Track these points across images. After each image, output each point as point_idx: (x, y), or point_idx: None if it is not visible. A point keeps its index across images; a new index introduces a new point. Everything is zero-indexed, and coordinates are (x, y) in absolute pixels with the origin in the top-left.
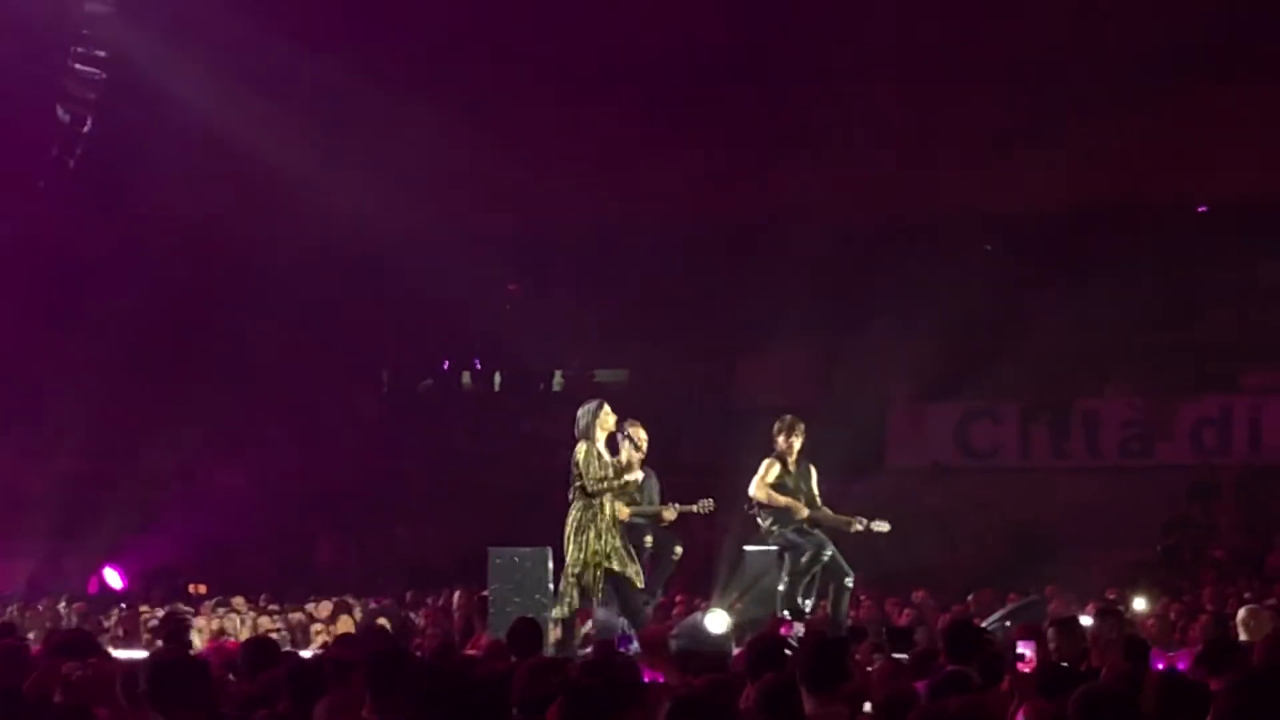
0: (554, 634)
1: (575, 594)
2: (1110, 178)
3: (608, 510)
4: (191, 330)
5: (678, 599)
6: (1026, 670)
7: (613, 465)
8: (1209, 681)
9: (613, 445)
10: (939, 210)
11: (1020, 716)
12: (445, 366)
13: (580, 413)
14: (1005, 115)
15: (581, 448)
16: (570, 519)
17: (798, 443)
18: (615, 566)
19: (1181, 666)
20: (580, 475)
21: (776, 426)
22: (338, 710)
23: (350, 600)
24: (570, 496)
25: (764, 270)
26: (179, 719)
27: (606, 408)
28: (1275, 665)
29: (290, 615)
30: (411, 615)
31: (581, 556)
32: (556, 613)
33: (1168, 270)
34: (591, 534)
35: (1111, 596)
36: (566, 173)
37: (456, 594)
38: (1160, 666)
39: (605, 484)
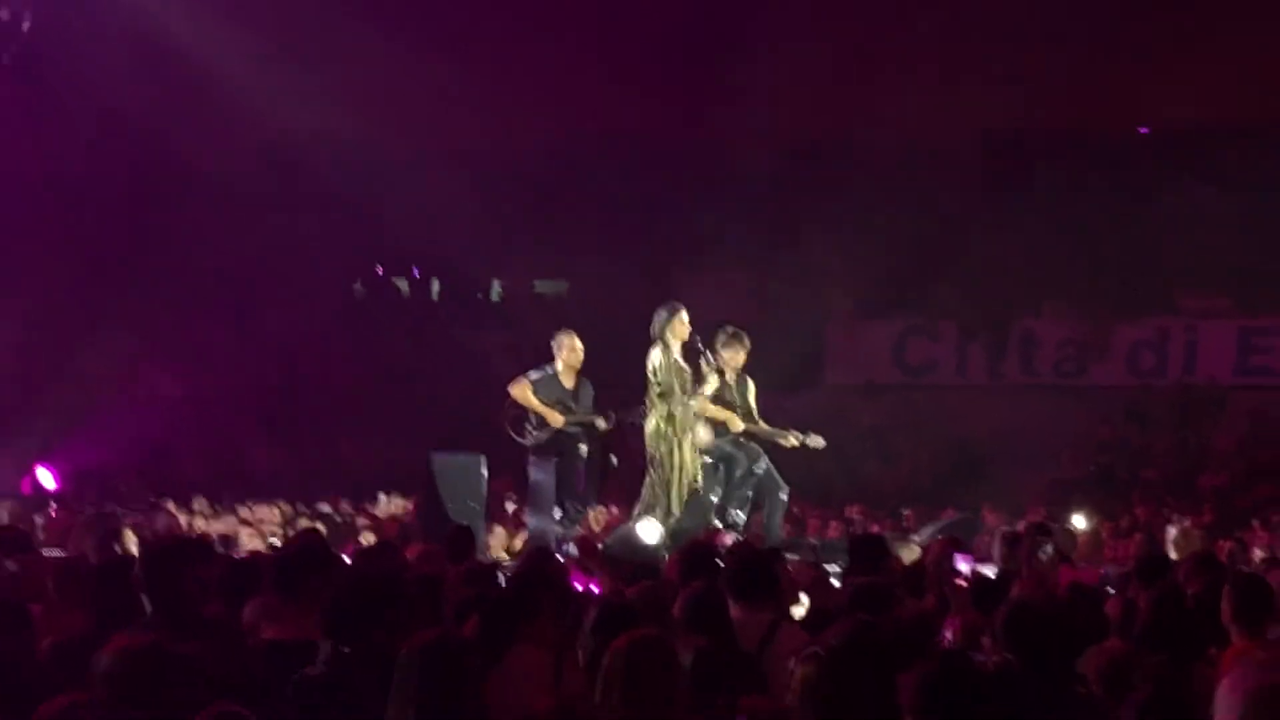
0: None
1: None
2: (1052, 101)
3: (679, 417)
4: (130, 233)
5: (613, 508)
6: (963, 585)
7: (687, 372)
8: (1140, 596)
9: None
10: (880, 130)
11: (951, 629)
12: (380, 272)
13: (655, 316)
14: (947, 37)
15: (654, 352)
16: (650, 426)
17: (739, 356)
18: (689, 477)
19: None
20: (652, 380)
21: (719, 338)
22: (266, 611)
23: (285, 505)
24: (646, 403)
25: (705, 186)
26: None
27: (682, 314)
28: (1191, 581)
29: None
30: (347, 520)
31: (668, 463)
32: (659, 524)
33: (1108, 193)
34: (675, 442)
35: (1041, 515)
36: (509, 84)
37: (391, 500)
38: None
39: (673, 386)
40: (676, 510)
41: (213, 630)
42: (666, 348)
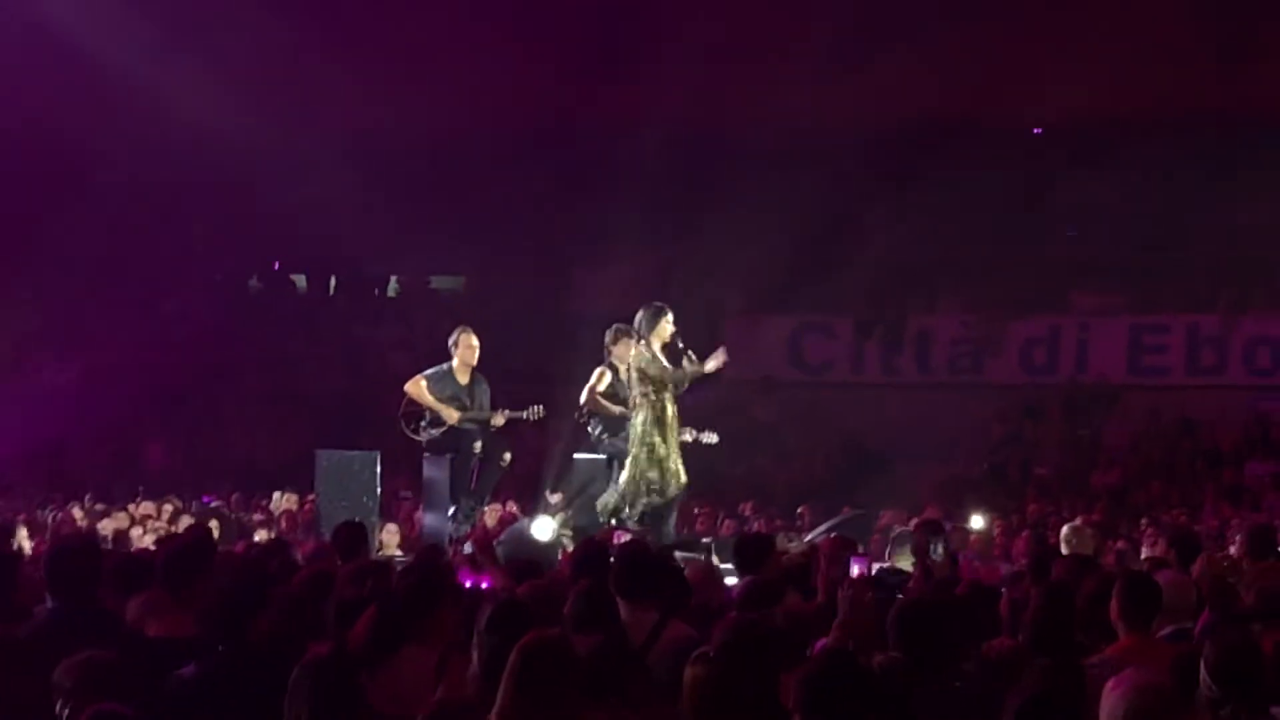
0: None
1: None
2: (945, 95)
3: (670, 413)
4: (22, 222)
5: (507, 505)
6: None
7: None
8: (1033, 592)
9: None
10: (774, 122)
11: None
12: (276, 267)
13: (639, 316)
14: (841, 29)
15: (640, 350)
16: (636, 421)
17: (629, 350)
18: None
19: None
20: (641, 379)
21: (608, 335)
22: (150, 607)
23: (177, 501)
24: (630, 404)
25: (600, 180)
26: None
27: (668, 315)
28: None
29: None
30: (240, 517)
31: (645, 462)
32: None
33: (1002, 188)
34: (658, 438)
35: (936, 513)
36: (403, 77)
37: (285, 496)
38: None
39: (666, 378)
40: (653, 499)
41: (109, 627)
42: (649, 346)
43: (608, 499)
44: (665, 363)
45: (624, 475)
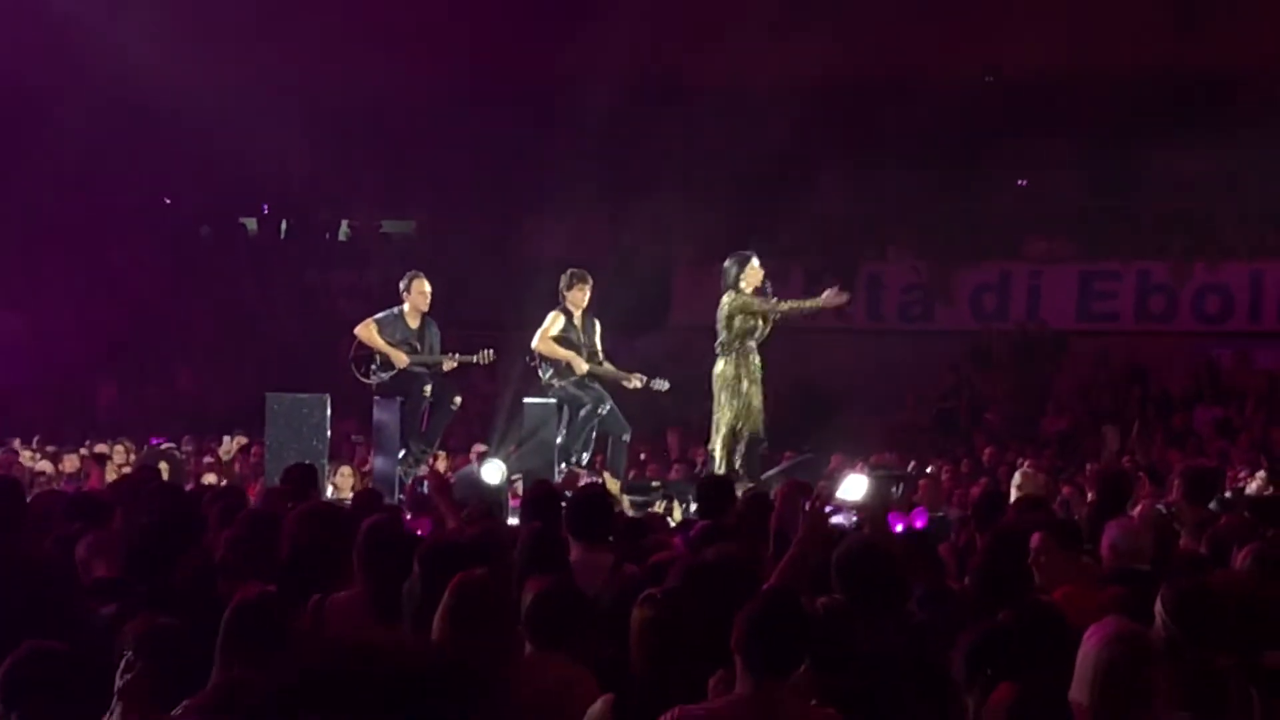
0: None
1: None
2: (897, 45)
3: (754, 362)
4: None
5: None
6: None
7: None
8: (979, 537)
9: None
10: (725, 75)
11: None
12: (226, 211)
13: (727, 265)
14: None
15: (727, 299)
16: (718, 373)
17: (583, 296)
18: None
19: (919, 525)
20: (728, 326)
21: (563, 280)
22: (97, 547)
23: (127, 444)
24: (716, 348)
25: (551, 127)
26: None
27: (754, 261)
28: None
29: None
30: (190, 459)
31: (733, 413)
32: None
33: (953, 139)
34: (745, 386)
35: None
36: (355, 26)
37: (235, 439)
38: (898, 527)
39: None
40: (720, 453)
41: (44, 568)
42: (740, 294)
43: (561, 441)
44: (762, 302)
45: (722, 425)
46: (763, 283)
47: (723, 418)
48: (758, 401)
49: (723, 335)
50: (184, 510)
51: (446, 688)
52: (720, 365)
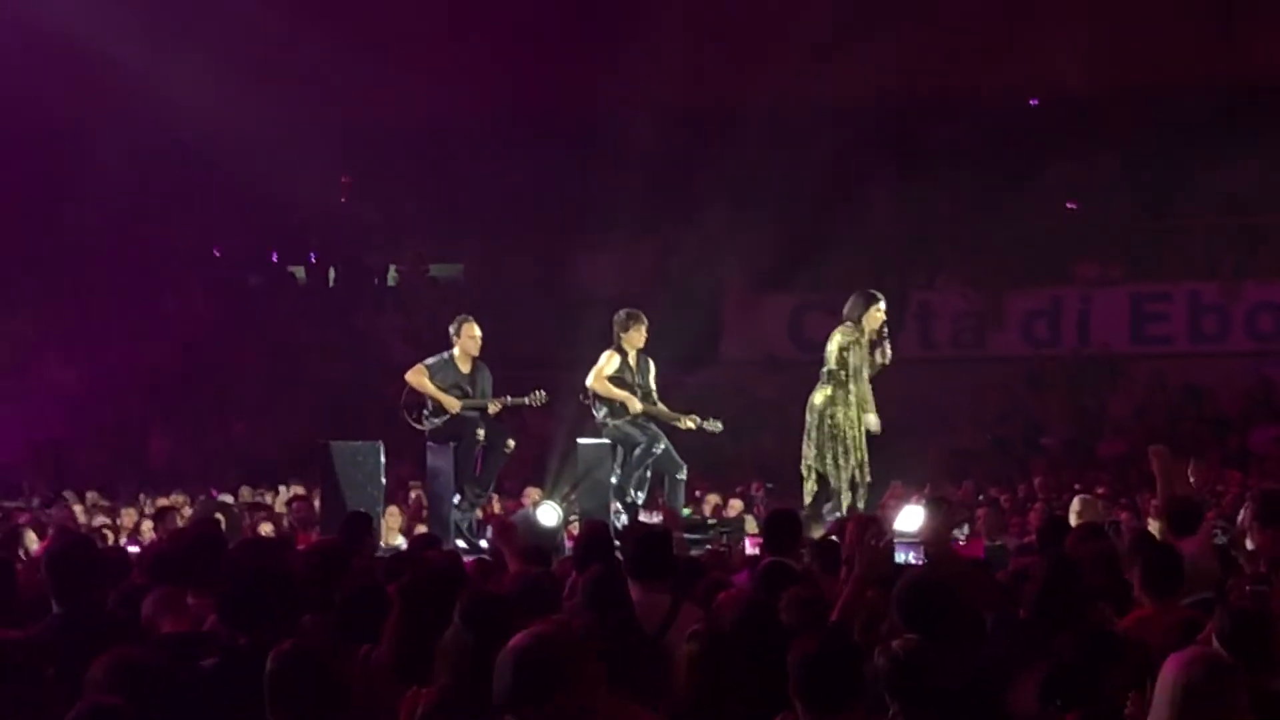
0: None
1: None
2: (943, 69)
3: (859, 396)
4: (20, 220)
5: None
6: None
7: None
8: (1037, 563)
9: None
10: (771, 99)
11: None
12: (274, 259)
13: (850, 302)
14: (837, 3)
15: (840, 334)
16: (818, 400)
17: (640, 336)
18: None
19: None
20: (839, 361)
21: (618, 320)
22: (163, 603)
23: (179, 497)
24: (821, 377)
25: (597, 162)
26: None
27: (880, 304)
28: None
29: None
30: (245, 510)
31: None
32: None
33: (1000, 162)
34: (841, 416)
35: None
36: (398, 65)
37: (291, 489)
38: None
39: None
40: (842, 485)
41: (118, 628)
42: (856, 333)
43: (616, 481)
44: (866, 352)
45: (825, 463)
46: (880, 326)
47: (833, 453)
48: (860, 433)
49: (830, 366)
50: (280, 566)
51: None
52: (819, 397)
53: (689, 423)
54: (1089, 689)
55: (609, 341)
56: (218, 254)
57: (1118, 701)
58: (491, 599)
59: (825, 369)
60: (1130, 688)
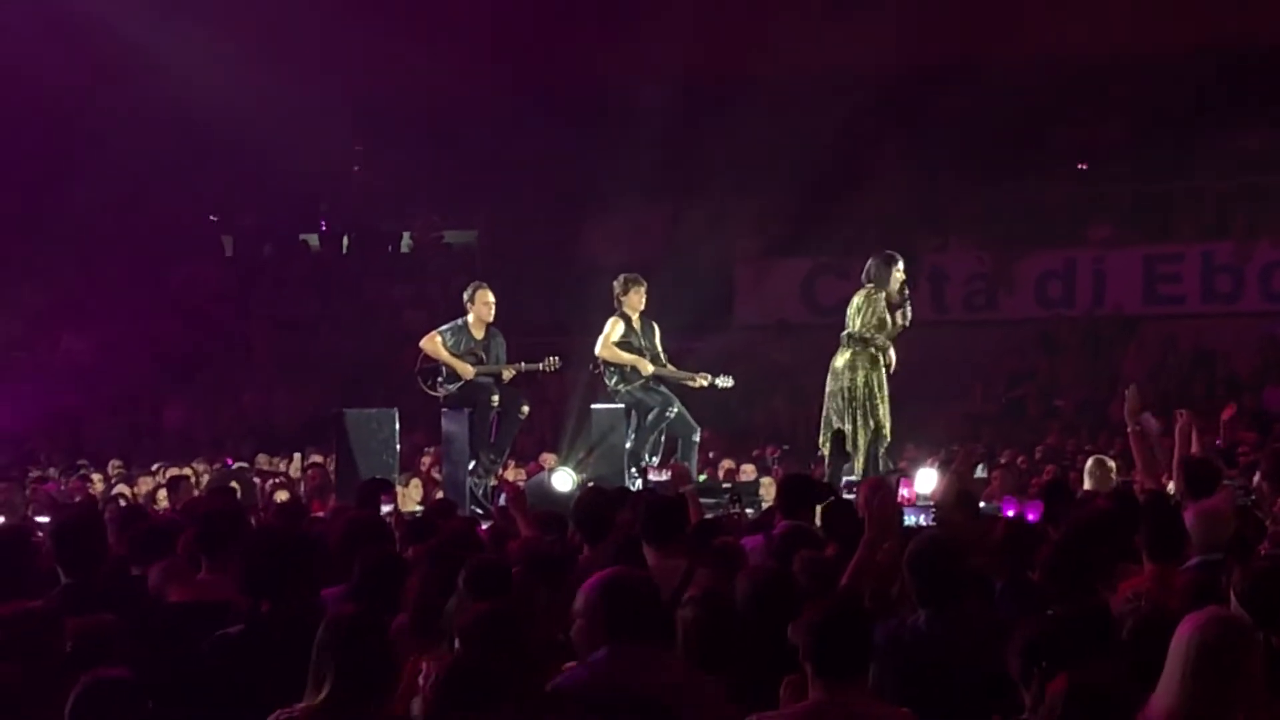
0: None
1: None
2: (950, 32)
3: (882, 360)
4: (34, 193)
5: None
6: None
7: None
8: (1049, 529)
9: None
10: (781, 66)
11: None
12: (288, 227)
13: (869, 265)
14: None
15: (860, 296)
16: (839, 363)
17: (640, 299)
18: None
19: (1031, 517)
20: (855, 321)
21: (618, 285)
22: (172, 573)
23: (197, 465)
24: (841, 341)
25: (608, 129)
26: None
27: (899, 264)
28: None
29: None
30: (261, 478)
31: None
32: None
33: (1012, 126)
34: (861, 379)
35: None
36: (409, 33)
37: (306, 457)
38: (1009, 513)
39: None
40: (860, 448)
41: (126, 596)
42: (875, 294)
43: (630, 446)
44: (887, 315)
45: (859, 430)
46: (900, 287)
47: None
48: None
49: (852, 329)
50: (302, 532)
51: None
52: (841, 360)
53: (700, 381)
54: (1076, 652)
55: (615, 307)
56: (229, 223)
57: (1105, 664)
58: (493, 566)
59: (845, 333)
60: (1117, 654)
